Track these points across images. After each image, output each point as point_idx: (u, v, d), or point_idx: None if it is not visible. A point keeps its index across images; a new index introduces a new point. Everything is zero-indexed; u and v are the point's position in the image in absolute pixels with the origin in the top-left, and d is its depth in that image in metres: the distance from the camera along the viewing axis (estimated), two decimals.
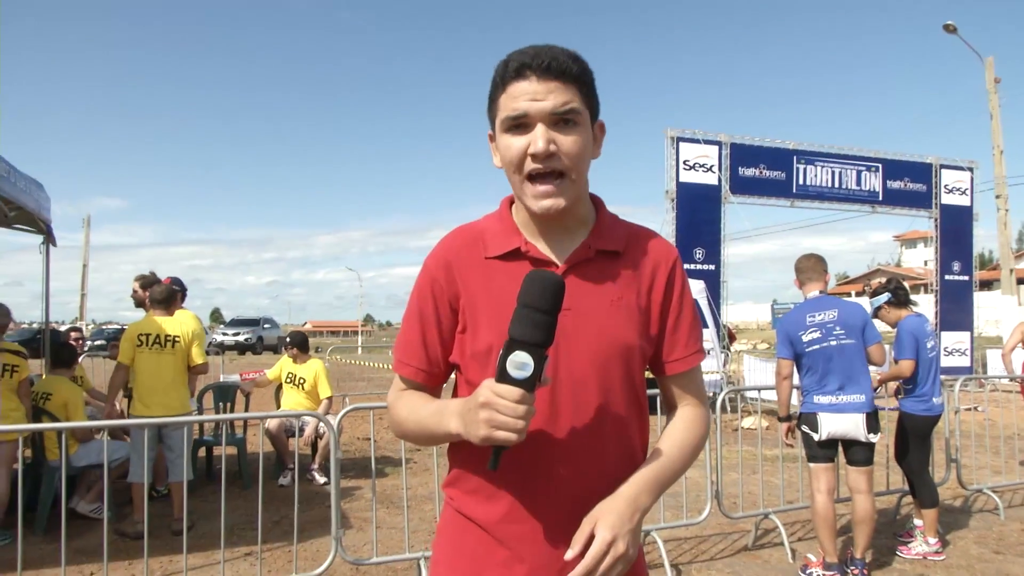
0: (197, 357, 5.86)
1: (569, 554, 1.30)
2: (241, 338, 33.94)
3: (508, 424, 1.21)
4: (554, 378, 1.37)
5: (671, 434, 1.51)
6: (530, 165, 1.37)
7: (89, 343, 19.95)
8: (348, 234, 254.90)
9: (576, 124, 1.38)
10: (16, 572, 4.09)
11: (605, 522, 1.30)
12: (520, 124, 1.37)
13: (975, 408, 10.94)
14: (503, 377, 1.22)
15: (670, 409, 1.59)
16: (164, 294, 5.87)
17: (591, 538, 1.30)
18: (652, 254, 1.51)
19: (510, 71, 1.38)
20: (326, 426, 5.41)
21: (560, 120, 1.36)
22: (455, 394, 1.53)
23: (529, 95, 1.35)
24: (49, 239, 7.53)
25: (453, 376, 1.57)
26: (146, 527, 4.26)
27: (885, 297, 5.38)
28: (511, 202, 1.54)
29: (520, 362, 1.21)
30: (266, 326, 36.83)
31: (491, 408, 1.21)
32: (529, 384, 1.21)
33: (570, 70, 1.37)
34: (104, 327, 36.10)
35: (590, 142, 1.43)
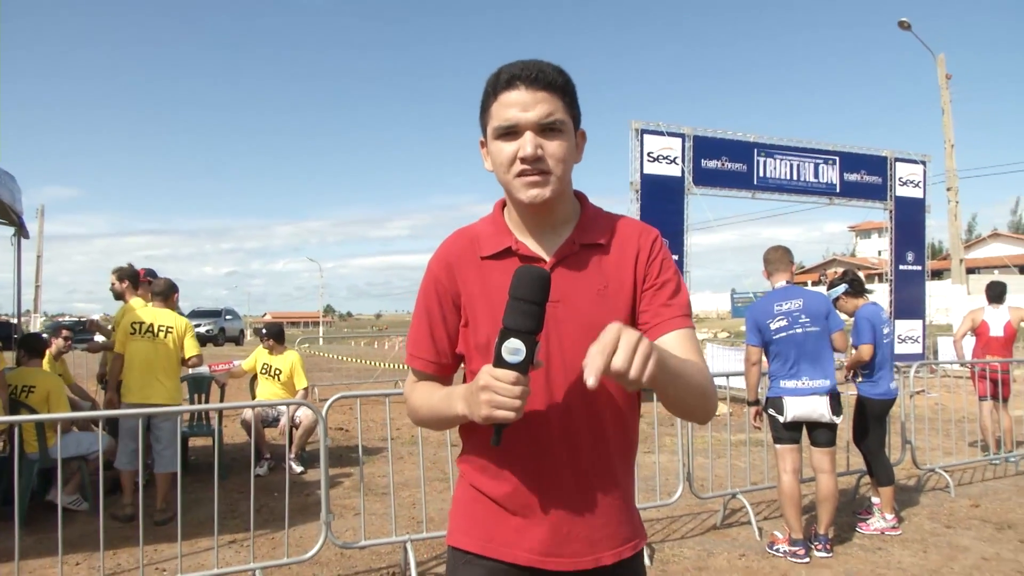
0: (192, 348, 6.01)
1: (586, 362, 1.25)
2: (202, 329, 33.38)
3: (505, 404, 1.36)
4: (547, 364, 1.51)
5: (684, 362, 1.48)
6: (519, 167, 1.52)
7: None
8: (308, 224, 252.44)
9: (560, 131, 1.53)
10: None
11: (609, 328, 1.27)
12: (510, 132, 1.52)
13: (923, 392, 11.38)
14: (499, 362, 1.37)
15: None
16: (165, 287, 6.04)
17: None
18: (633, 240, 1.64)
19: (501, 82, 1.53)
20: (314, 412, 5.51)
21: (546, 128, 1.51)
22: (464, 382, 1.68)
23: (519, 105, 1.50)
24: (21, 231, 7.45)
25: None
26: (140, 513, 4.32)
27: (842, 288, 5.63)
28: (503, 205, 1.69)
29: (513, 348, 1.36)
30: (228, 317, 36.35)
31: (490, 390, 1.36)
32: (523, 367, 1.37)
33: (556, 82, 1.53)
34: (57, 319, 35.30)
35: (573, 148, 1.59)
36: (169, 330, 5.85)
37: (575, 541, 1.56)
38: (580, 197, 1.68)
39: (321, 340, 33.18)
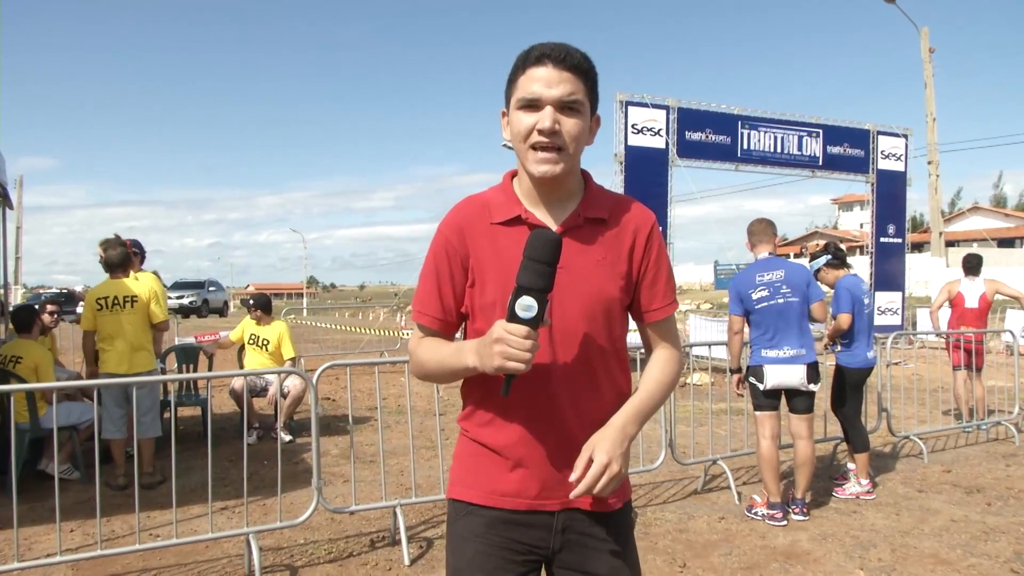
0: (158, 314, 6.02)
1: (573, 476, 1.58)
2: (185, 301, 33.29)
3: (517, 356, 1.49)
4: (552, 324, 1.63)
5: (651, 373, 1.80)
6: (535, 138, 1.63)
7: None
8: (291, 195, 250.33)
9: (578, 112, 1.65)
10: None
11: (601, 448, 1.60)
12: (532, 105, 1.63)
13: (900, 363, 11.62)
14: (512, 317, 1.50)
15: (648, 352, 1.86)
16: (119, 257, 5.99)
17: (590, 462, 1.59)
18: (632, 220, 1.78)
19: (531, 58, 1.65)
20: (305, 381, 5.58)
21: (566, 106, 1.63)
22: (465, 339, 1.80)
23: (544, 81, 1.62)
24: (5, 202, 7.42)
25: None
26: (136, 481, 4.39)
27: (824, 259, 5.75)
28: (512, 176, 1.80)
29: (527, 304, 1.49)
30: (211, 288, 36.17)
31: (503, 343, 1.49)
32: (534, 323, 1.49)
33: (581, 66, 1.65)
34: (38, 291, 34.96)
35: (587, 129, 1.70)
36: (135, 299, 5.88)
37: (568, 486, 1.64)
38: (585, 175, 1.80)
39: (305, 311, 33.08)
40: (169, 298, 33.51)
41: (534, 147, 1.63)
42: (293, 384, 7.35)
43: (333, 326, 19.69)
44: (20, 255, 33.98)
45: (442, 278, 1.75)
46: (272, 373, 7.28)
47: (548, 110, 1.61)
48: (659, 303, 1.79)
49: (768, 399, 5.00)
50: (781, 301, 4.93)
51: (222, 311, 35.36)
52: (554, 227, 1.70)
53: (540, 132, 1.61)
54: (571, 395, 1.69)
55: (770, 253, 5.15)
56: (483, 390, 1.74)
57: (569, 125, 1.63)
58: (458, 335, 1.85)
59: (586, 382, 1.71)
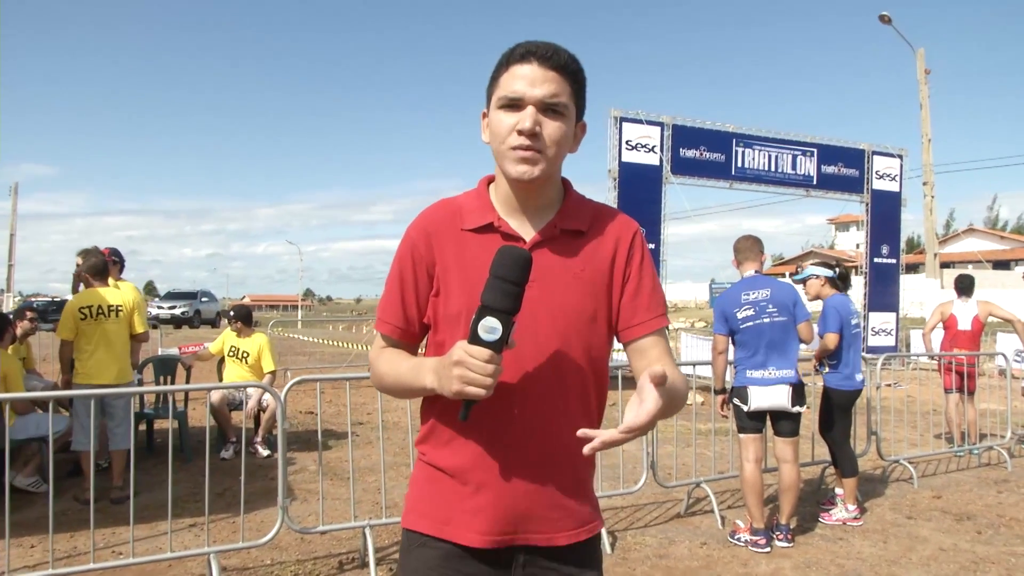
0: (139, 326, 5.95)
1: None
2: (177, 311, 33.15)
3: (478, 381, 1.37)
4: (520, 342, 1.49)
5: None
6: (516, 140, 1.52)
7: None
8: (290, 207, 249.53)
9: (561, 115, 1.54)
10: None
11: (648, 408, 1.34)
12: (513, 104, 1.52)
13: (895, 384, 11.50)
14: (474, 339, 1.38)
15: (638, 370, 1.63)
16: (98, 266, 5.88)
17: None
18: (614, 230, 1.66)
19: (516, 55, 1.54)
20: (273, 397, 5.45)
21: (549, 108, 1.52)
22: (426, 352, 1.68)
23: (527, 80, 1.51)
24: None
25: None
26: (92, 496, 4.26)
27: (829, 272, 5.61)
28: (489, 181, 1.68)
29: (490, 326, 1.37)
30: (204, 299, 36.03)
31: (463, 366, 1.37)
32: (497, 346, 1.38)
33: (568, 67, 1.54)
34: (32, 299, 34.78)
35: (570, 135, 1.59)
36: (119, 309, 5.78)
37: (532, 520, 1.57)
38: (565, 183, 1.69)
39: (300, 324, 32.94)
40: (161, 308, 33.61)
41: (513, 148, 1.52)
42: (271, 398, 7.21)
43: (323, 340, 19.52)
44: (13, 262, 33.88)
45: (406, 285, 1.64)
46: (238, 387, 7.15)
47: (530, 110, 1.51)
48: (642, 317, 1.62)
49: (752, 421, 4.87)
50: (767, 320, 4.81)
51: (214, 322, 35.17)
52: (528, 237, 1.59)
53: (520, 133, 1.51)
54: (539, 419, 1.56)
55: (756, 271, 5.04)
56: (442, 409, 1.61)
57: (551, 128, 1.52)
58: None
59: (556, 405, 1.58)
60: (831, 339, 5.41)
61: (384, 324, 1.67)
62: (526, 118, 1.50)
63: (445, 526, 1.59)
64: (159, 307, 33.14)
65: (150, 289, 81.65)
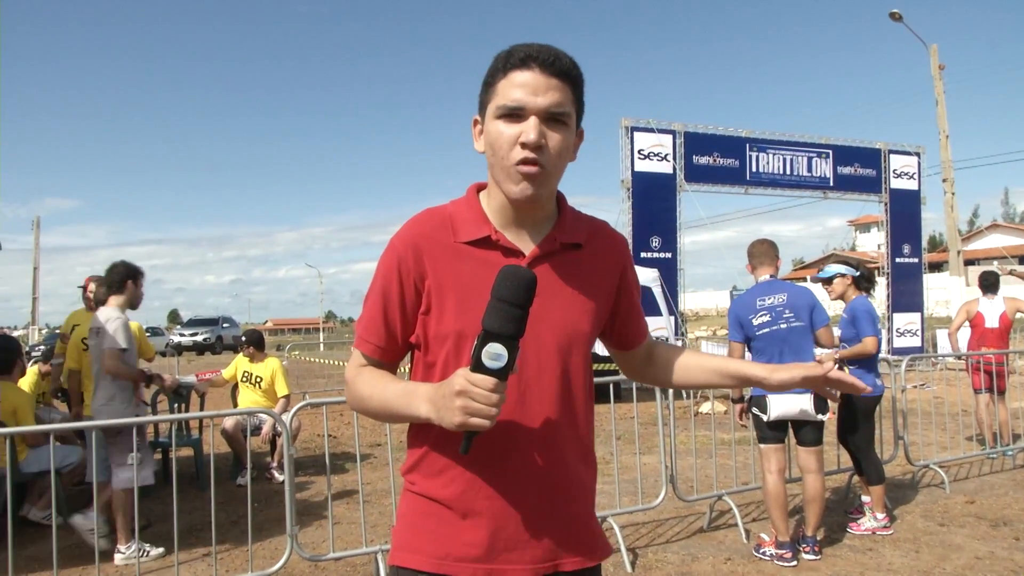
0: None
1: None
2: (199, 338, 33.39)
3: (483, 412, 1.27)
4: (523, 362, 1.40)
5: (686, 355, 1.75)
6: (519, 154, 1.41)
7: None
8: (310, 231, 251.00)
9: (565, 125, 1.45)
10: None
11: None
12: (514, 114, 1.42)
13: (922, 385, 11.24)
14: (478, 367, 1.27)
15: (646, 365, 1.77)
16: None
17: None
18: (609, 246, 1.62)
19: (514, 60, 1.43)
20: (279, 424, 5.38)
21: (552, 118, 1.43)
22: (411, 373, 1.58)
23: (530, 88, 1.41)
24: None
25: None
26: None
27: (854, 272, 5.47)
28: (478, 190, 1.59)
29: (495, 353, 1.27)
30: (225, 325, 36.27)
31: (467, 396, 1.27)
32: (503, 374, 1.28)
33: (571, 72, 1.45)
34: (56, 331, 35.15)
35: (571, 145, 1.50)
36: None
37: (534, 547, 1.48)
38: (558, 196, 1.60)
39: (322, 346, 32.99)
40: (183, 335, 33.86)
41: (516, 164, 1.42)
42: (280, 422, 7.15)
43: (341, 363, 19.50)
44: (37, 295, 34.38)
45: (390, 301, 1.52)
46: (243, 413, 7.10)
47: (533, 121, 1.40)
48: (641, 325, 1.74)
49: (773, 431, 4.71)
50: (784, 326, 4.67)
51: (236, 347, 35.38)
52: (527, 250, 1.51)
53: (524, 146, 1.40)
54: (542, 441, 1.48)
55: (771, 276, 4.90)
56: (436, 439, 1.50)
57: (555, 140, 1.43)
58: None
59: (552, 427, 1.49)
60: (871, 343, 5.24)
61: (365, 343, 1.56)
62: (530, 130, 1.39)
63: (441, 560, 1.48)
64: (181, 334, 33.42)
65: (174, 317, 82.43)
